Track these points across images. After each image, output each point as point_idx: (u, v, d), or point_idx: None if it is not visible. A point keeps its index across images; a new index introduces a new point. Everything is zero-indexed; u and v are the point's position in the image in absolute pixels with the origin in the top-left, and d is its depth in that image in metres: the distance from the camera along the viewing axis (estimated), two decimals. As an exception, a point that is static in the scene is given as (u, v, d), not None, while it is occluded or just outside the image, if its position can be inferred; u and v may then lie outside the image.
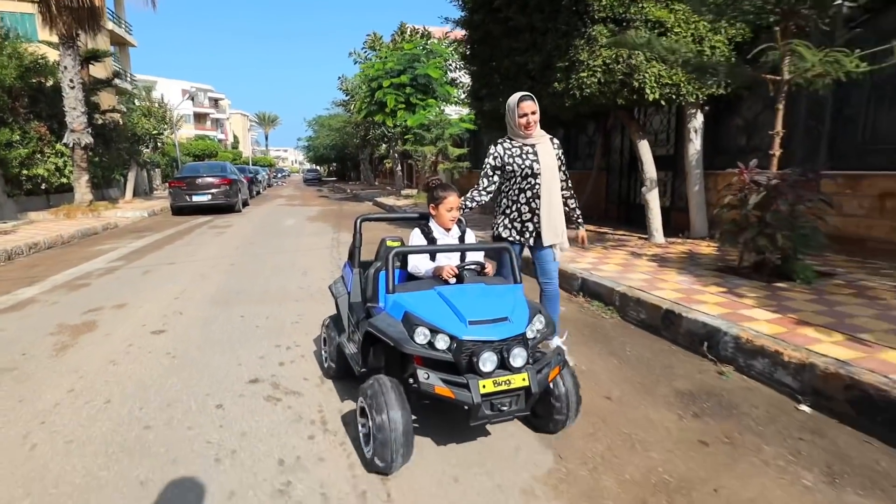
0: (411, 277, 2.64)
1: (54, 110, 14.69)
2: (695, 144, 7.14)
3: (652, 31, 6.15)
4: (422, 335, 2.03)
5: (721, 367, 3.24)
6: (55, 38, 13.65)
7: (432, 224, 2.72)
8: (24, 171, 13.73)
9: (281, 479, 2.09)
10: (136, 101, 25.76)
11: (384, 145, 25.50)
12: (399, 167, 23.97)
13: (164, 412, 2.69)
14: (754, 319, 3.50)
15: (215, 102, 73.78)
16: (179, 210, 14.79)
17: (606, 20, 6.04)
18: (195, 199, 14.53)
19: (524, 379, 2.03)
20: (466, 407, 1.99)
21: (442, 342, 2.03)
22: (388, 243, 2.68)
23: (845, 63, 3.94)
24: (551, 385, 2.28)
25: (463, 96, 16.62)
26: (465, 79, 14.52)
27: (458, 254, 2.65)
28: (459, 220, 2.76)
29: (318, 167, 60.42)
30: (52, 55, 15.26)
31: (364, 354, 2.44)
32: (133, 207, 15.58)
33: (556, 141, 3.21)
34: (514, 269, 2.51)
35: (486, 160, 3.18)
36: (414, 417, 2.18)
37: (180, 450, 2.32)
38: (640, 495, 2.00)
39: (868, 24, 5.25)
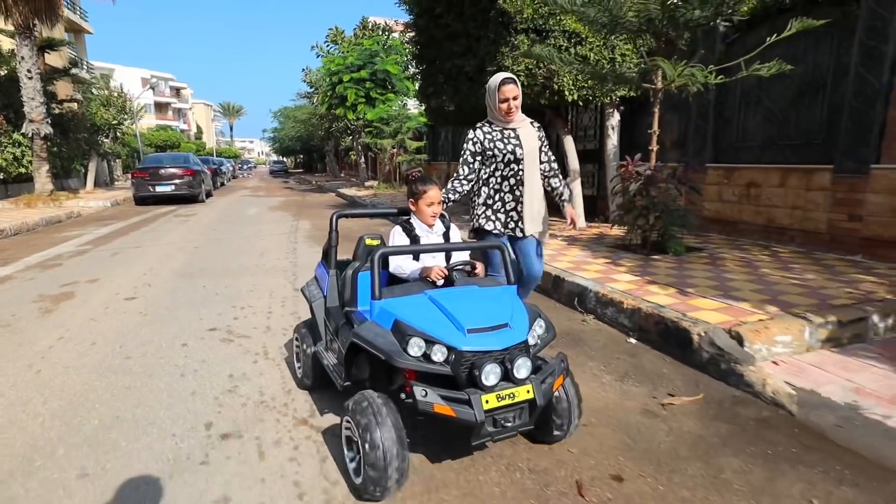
0: (393, 279, 2.45)
1: (10, 100, 14.74)
2: (612, 140, 8.13)
3: (569, 41, 7.09)
4: (416, 347, 1.81)
5: (585, 316, 4.16)
6: (11, 28, 13.72)
7: (414, 220, 2.50)
8: (-18, 161, 13.80)
9: (230, 384, 2.88)
10: (94, 90, 25.44)
11: (348, 137, 25.96)
12: (363, 159, 24.53)
13: (140, 349, 3.43)
14: (617, 281, 4.44)
15: (177, 92, 72.11)
16: (142, 200, 15.09)
17: (528, 31, 6.90)
18: (158, 189, 14.86)
19: (528, 391, 1.85)
20: (467, 425, 1.79)
21: (439, 354, 1.81)
22: (368, 242, 2.54)
23: (698, 76, 4.91)
24: (554, 395, 2.08)
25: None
26: (423, 75, 15.26)
27: (444, 253, 2.45)
28: (442, 216, 2.55)
29: (284, 159, 60.05)
30: (6, 43, 15.23)
31: (347, 367, 2.20)
32: (95, 197, 15.75)
33: (536, 124, 3.06)
34: (507, 269, 2.28)
35: (465, 146, 2.97)
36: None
37: (154, 370, 3.08)
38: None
39: (737, 42, 6.28)
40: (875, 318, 3.47)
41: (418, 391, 1.76)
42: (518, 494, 1.92)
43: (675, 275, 4.58)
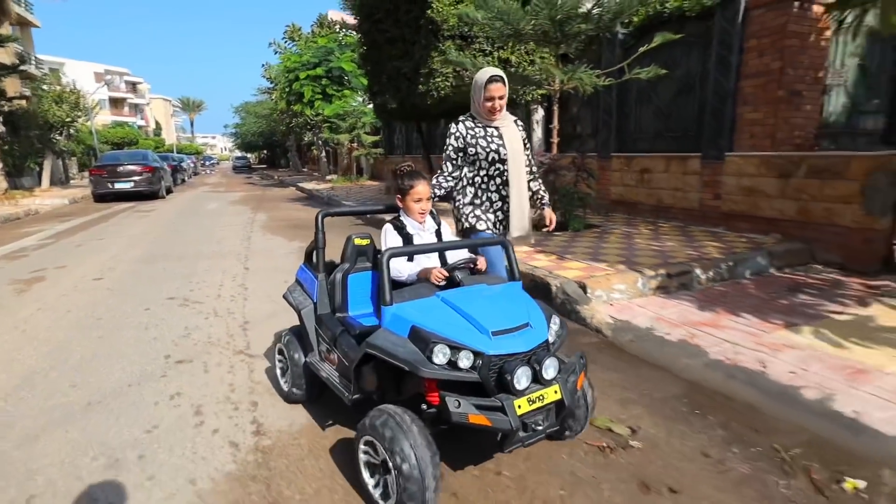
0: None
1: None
2: (537, 133, 9.10)
3: (493, 46, 7.98)
4: (441, 354, 1.71)
5: (486, 279, 5.07)
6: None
7: (404, 218, 2.37)
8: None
9: (185, 332, 3.67)
10: (44, 86, 25.05)
11: (309, 133, 26.40)
12: (323, 154, 25.02)
13: (109, 313, 4.16)
14: (535, 254, 5.36)
15: (133, 87, 70.11)
16: (101, 197, 15.33)
17: (454, 37, 7.76)
18: (118, 186, 15.13)
19: (556, 391, 1.81)
20: (501, 433, 1.74)
21: (465, 360, 1.72)
22: (357, 242, 2.44)
23: (585, 79, 5.86)
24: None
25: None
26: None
27: (437, 253, 2.34)
28: (432, 212, 2.43)
29: (247, 155, 59.46)
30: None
31: (357, 379, 2.06)
32: (52, 195, 15.90)
33: (520, 123, 2.92)
34: (512, 264, 2.21)
35: (448, 140, 2.79)
36: None
37: (122, 326, 3.83)
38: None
39: (632, 48, 7.29)
40: (698, 271, 4.49)
41: (451, 402, 1.66)
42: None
43: (563, 246, 5.55)
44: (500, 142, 2.77)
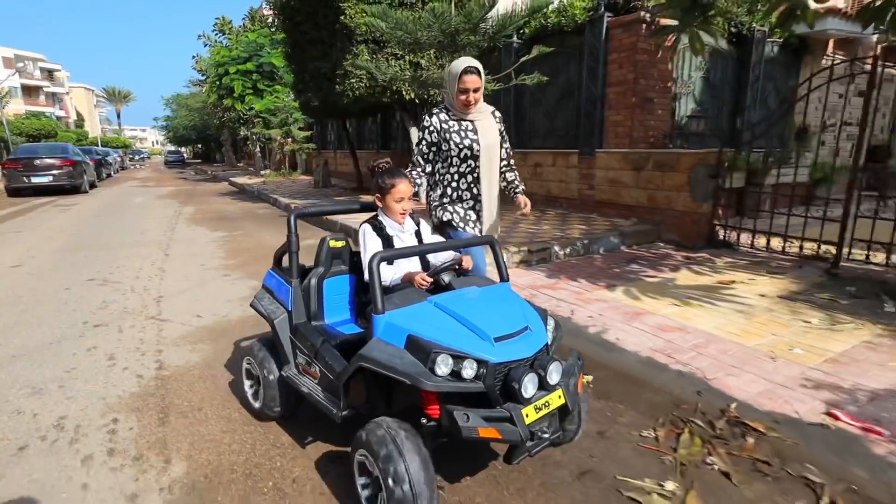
0: (362, 286, 2.32)
1: None
2: (449, 131, 9.92)
3: (404, 50, 8.69)
4: (444, 365, 1.63)
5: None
6: None
7: (382, 218, 2.25)
8: None
9: (103, 305, 4.18)
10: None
11: (242, 127, 26.13)
12: (258, 149, 24.90)
13: (30, 293, 4.57)
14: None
15: (49, 74, 65.48)
16: (16, 192, 14.82)
17: (368, 41, 8.41)
18: (35, 180, 14.68)
19: (560, 396, 1.76)
20: (509, 445, 1.70)
21: (469, 370, 1.64)
22: (332, 244, 2.33)
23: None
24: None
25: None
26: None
27: (417, 256, 2.22)
28: (411, 213, 2.30)
29: (181, 148, 57.20)
30: None
31: (346, 394, 1.93)
32: (-39, 190, 15.16)
33: (498, 114, 2.78)
34: (500, 264, 2.14)
35: (421, 135, 2.67)
36: None
37: (44, 302, 4.28)
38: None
39: (525, 57, 8.23)
40: (556, 248, 5.43)
41: (460, 416, 1.58)
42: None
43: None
44: (475, 136, 2.63)
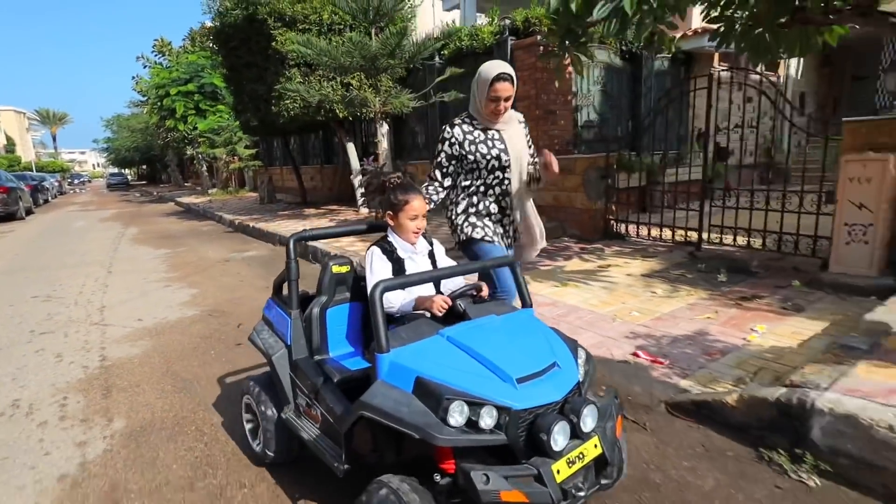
0: (367, 316, 2.03)
1: None
2: (383, 144, 10.57)
3: (335, 72, 9.31)
4: (458, 413, 1.40)
5: (314, 262, 6.39)
6: None
7: (393, 238, 2.07)
8: None
9: (47, 316, 4.58)
10: None
11: (188, 147, 25.97)
12: (205, 168, 24.81)
13: (-25, 311, 4.90)
14: (355, 242, 6.74)
15: (-23, 99, 62.07)
16: (-52, 221, 14.44)
17: (299, 65, 8.99)
18: (-33, 209, 14.36)
19: (596, 445, 1.51)
20: None
21: (488, 418, 1.41)
22: (335, 269, 2.14)
23: (396, 102, 7.41)
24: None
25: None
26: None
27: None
28: (423, 232, 2.12)
29: (124, 170, 55.43)
30: None
31: (348, 445, 1.71)
32: None
33: (522, 119, 2.61)
34: (521, 288, 1.95)
35: (441, 147, 2.47)
36: None
37: (-11, 318, 4.64)
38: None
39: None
40: (469, 245, 6.17)
41: (478, 478, 1.37)
42: None
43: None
44: (503, 146, 2.45)
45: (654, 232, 6.39)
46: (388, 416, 1.45)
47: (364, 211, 9.91)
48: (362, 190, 8.36)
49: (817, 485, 1.95)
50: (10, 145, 62.91)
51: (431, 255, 2.14)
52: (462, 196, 2.54)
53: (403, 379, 1.51)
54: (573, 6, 3.97)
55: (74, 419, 2.68)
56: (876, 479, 1.90)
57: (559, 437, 1.42)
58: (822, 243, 4.71)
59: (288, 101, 8.98)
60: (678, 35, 8.23)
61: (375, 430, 1.66)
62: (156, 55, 22.77)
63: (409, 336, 1.64)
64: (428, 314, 1.85)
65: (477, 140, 2.43)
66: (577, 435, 1.48)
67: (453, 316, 1.81)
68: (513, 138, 2.50)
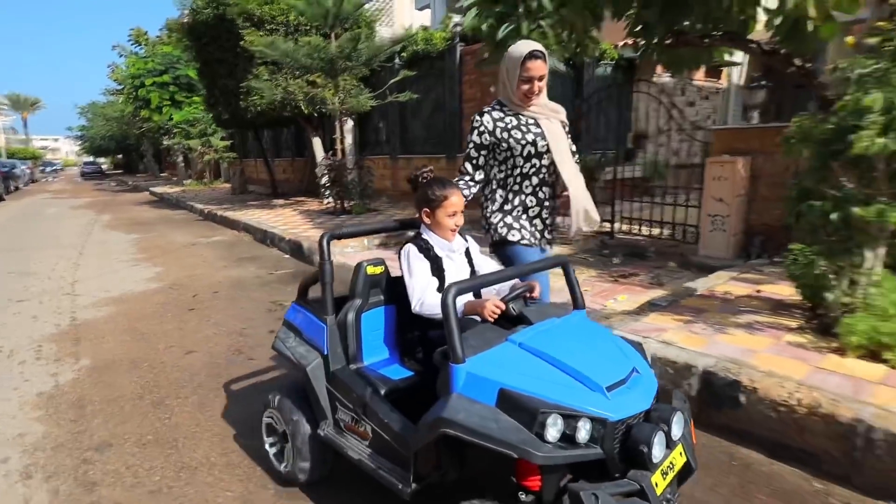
0: (406, 319, 1.98)
1: None
2: (348, 140, 11.21)
3: (300, 70, 9.90)
4: (554, 427, 1.31)
5: (279, 251, 7.03)
6: None
7: (428, 236, 1.95)
8: None
9: (23, 288, 5.15)
10: None
11: (164, 137, 26.12)
12: (181, 159, 25.04)
13: (-43, 283, 5.45)
14: (310, 229, 7.38)
15: (-55, 83, 60.50)
16: (-81, 206, 14.60)
17: (267, 63, 9.55)
18: (-62, 194, 14.56)
19: (681, 453, 1.47)
20: None
21: (583, 431, 1.32)
22: (370, 270, 2.01)
23: (355, 103, 8.05)
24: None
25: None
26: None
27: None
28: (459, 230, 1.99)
29: (99, 159, 54.74)
30: None
31: (417, 464, 1.57)
32: None
33: (565, 119, 2.39)
34: (574, 289, 1.83)
35: (471, 137, 2.33)
36: None
37: (-29, 289, 5.20)
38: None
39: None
40: (411, 232, 6.87)
41: (588, 498, 1.29)
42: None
43: (341, 223, 7.70)
44: (538, 130, 2.28)
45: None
46: (476, 434, 1.33)
47: (329, 202, 10.50)
48: (328, 182, 8.97)
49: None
50: (-20, 131, 61.41)
51: (468, 252, 2.02)
52: (498, 191, 2.36)
53: (484, 391, 1.40)
54: (484, 27, 4.73)
55: (48, 359, 3.32)
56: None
57: (658, 446, 1.36)
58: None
59: (255, 97, 9.55)
60: (621, 44, 9.03)
61: (440, 446, 1.52)
62: (132, 44, 22.92)
63: (478, 344, 1.52)
64: (478, 318, 1.71)
65: (509, 126, 2.26)
66: (667, 444, 1.42)
67: (506, 320, 1.69)
68: (551, 129, 2.30)
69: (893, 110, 2.13)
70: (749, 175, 4.82)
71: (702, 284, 3.69)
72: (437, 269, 1.89)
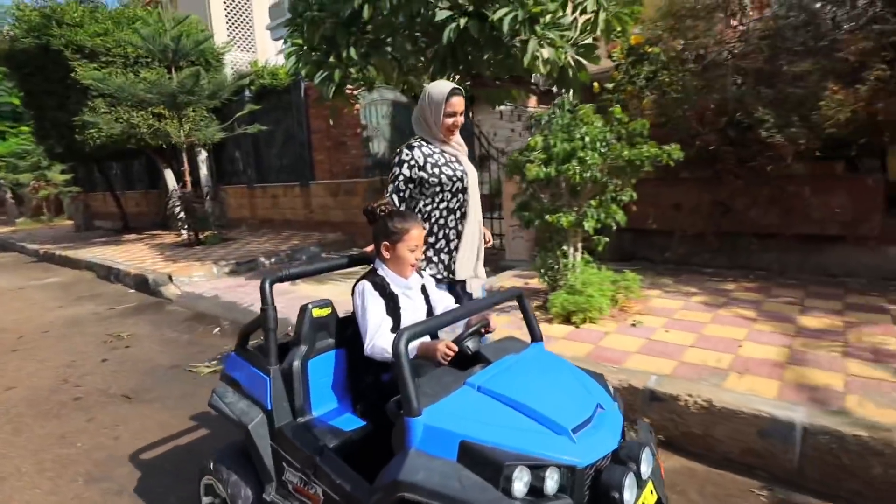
0: (357, 365, 1.89)
1: None
2: (203, 170, 11.17)
3: (141, 105, 9.72)
4: (521, 481, 1.24)
5: (124, 287, 6.92)
6: None
7: (384, 272, 1.89)
8: None
9: None
10: None
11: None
12: (9, 195, 22.23)
13: None
14: (158, 262, 7.34)
15: None
16: None
17: (105, 96, 9.26)
18: None
19: (652, 491, 1.40)
20: None
21: (551, 481, 1.25)
22: (316, 313, 1.89)
23: (202, 136, 8.21)
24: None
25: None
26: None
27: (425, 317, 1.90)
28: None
29: None
30: None
31: None
32: None
33: (466, 149, 2.55)
34: (531, 321, 1.81)
35: (398, 170, 2.34)
36: None
37: None
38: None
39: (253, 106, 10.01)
40: (262, 259, 7.21)
41: None
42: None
43: (190, 255, 7.76)
44: (461, 167, 2.39)
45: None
46: (437, 496, 1.23)
47: (184, 234, 10.35)
48: (180, 214, 8.89)
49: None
50: None
51: (424, 289, 1.97)
52: (424, 223, 2.30)
53: (443, 445, 1.31)
54: (303, 72, 5.39)
55: None
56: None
57: (630, 491, 1.29)
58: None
59: (93, 130, 9.20)
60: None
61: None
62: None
63: (433, 391, 1.43)
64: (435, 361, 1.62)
65: (439, 162, 2.33)
66: (637, 483, 1.34)
67: (460, 358, 1.63)
68: (468, 165, 2.45)
69: (550, 149, 3.13)
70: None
71: (488, 282, 4.62)
72: (394, 307, 1.82)
